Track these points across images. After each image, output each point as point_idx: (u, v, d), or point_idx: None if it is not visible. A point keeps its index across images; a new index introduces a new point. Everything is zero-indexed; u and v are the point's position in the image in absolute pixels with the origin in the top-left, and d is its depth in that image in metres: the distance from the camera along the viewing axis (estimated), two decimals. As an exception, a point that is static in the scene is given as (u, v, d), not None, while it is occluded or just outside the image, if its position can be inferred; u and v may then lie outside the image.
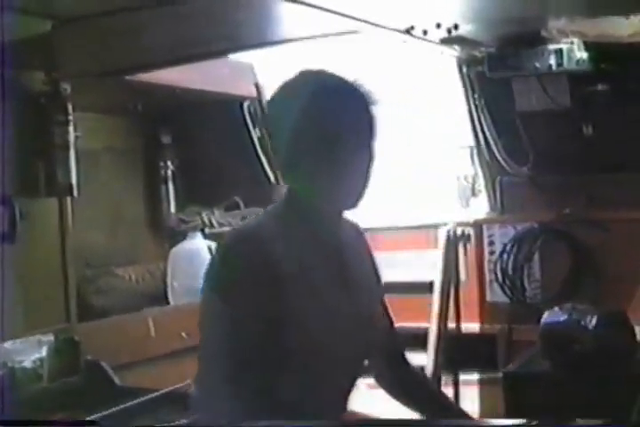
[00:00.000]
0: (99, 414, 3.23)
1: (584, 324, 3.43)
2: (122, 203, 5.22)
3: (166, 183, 5.45)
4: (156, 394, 3.61)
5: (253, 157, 5.11)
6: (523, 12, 3.48)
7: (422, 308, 4.75)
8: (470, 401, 4.63)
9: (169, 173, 5.44)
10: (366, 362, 2.23)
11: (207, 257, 4.68)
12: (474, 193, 5.09)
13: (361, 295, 2.06)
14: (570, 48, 3.99)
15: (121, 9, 3.03)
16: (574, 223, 4.57)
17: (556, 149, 4.57)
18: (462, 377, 4.75)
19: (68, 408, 3.36)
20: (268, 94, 3.49)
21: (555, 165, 4.61)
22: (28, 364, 3.60)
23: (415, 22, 3.56)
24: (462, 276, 4.88)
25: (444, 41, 3.87)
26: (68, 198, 4.01)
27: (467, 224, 4.93)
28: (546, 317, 3.60)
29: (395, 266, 4.99)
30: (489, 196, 4.98)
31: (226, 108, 5.14)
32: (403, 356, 2.30)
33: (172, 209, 5.47)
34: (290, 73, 2.02)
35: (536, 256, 4.70)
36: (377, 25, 3.46)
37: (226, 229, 5.10)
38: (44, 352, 3.67)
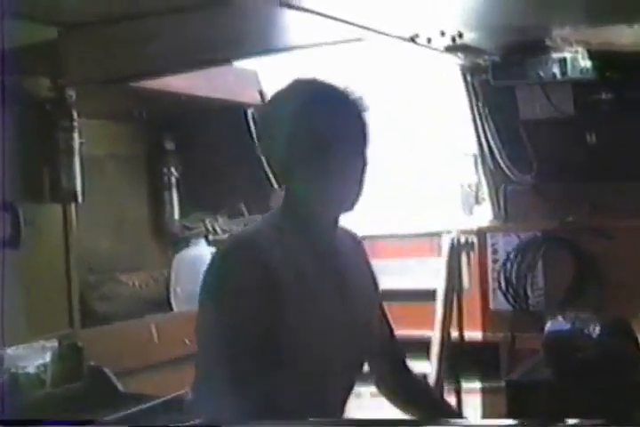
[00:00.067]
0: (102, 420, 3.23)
1: (587, 332, 3.42)
2: (126, 209, 5.22)
3: (170, 190, 5.46)
4: (158, 401, 3.61)
5: (257, 164, 5.10)
6: (527, 21, 3.49)
7: (425, 316, 4.75)
8: (473, 409, 4.62)
9: (173, 179, 5.45)
10: (367, 369, 2.23)
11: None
12: (477, 201, 5.09)
13: (357, 302, 2.06)
14: (574, 57, 4.00)
15: (126, 16, 3.05)
16: (578, 231, 4.57)
17: (560, 157, 4.57)
18: (465, 385, 4.75)
19: (71, 414, 3.37)
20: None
21: (558, 173, 4.62)
22: (31, 369, 3.61)
23: (419, 30, 3.57)
24: (465, 284, 4.88)
25: (448, 49, 3.88)
26: (73, 204, 4.02)
27: (470, 232, 4.93)
28: (549, 325, 3.60)
29: (398, 273, 5.00)
30: (492, 204, 4.98)
31: (230, 115, 5.15)
32: (404, 363, 2.30)
33: (176, 216, 5.48)
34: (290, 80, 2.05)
35: (539, 264, 4.69)
36: (381, 33, 3.46)
37: (229, 235, 5.11)
38: (47, 358, 3.68)
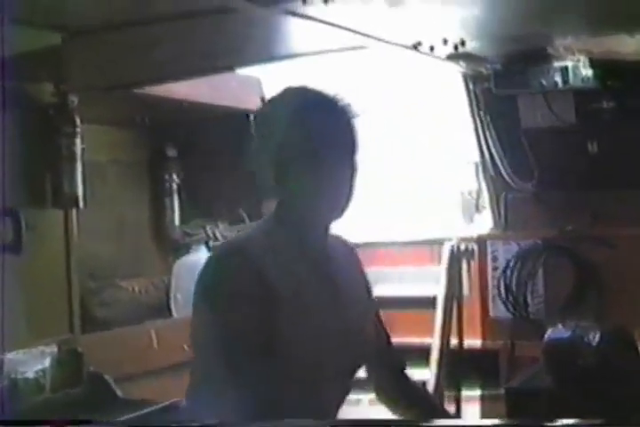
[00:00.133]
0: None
1: (587, 340, 3.42)
2: (127, 215, 5.23)
3: (171, 196, 5.46)
4: (157, 406, 3.61)
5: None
6: (529, 30, 3.50)
7: (425, 323, 4.75)
8: (472, 417, 4.62)
9: (174, 186, 5.45)
10: (365, 376, 2.24)
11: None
12: (478, 209, 5.09)
13: (350, 309, 2.07)
14: (575, 65, 4.01)
15: (129, 23, 3.06)
16: (578, 240, 4.58)
17: (561, 165, 4.58)
18: (464, 393, 4.74)
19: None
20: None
21: (559, 181, 4.62)
22: (30, 374, 3.60)
23: (422, 38, 3.58)
24: (465, 291, 4.88)
25: (450, 57, 3.89)
26: (74, 210, 4.02)
27: (470, 240, 4.94)
28: (549, 333, 3.60)
29: (398, 281, 5.00)
30: (493, 211, 4.98)
31: (232, 122, 5.15)
32: (402, 371, 2.30)
33: (177, 222, 5.48)
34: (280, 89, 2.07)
35: (540, 272, 4.70)
36: (384, 40, 3.47)
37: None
38: (46, 363, 3.67)
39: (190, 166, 5.44)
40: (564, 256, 4.62)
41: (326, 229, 2.08)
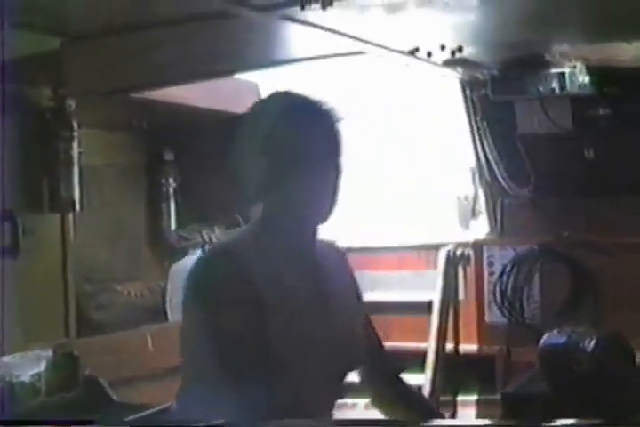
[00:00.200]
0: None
1: (583, 346, 3.43)
2: (123, 219, 5.23)
3: (168, 200, 5.46)
4: (152, 410, 3.61)
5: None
6: (526, 37, 3.51)
7: (421, 328, 4.76)
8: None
9: (171, 190, 5.45)
10: (360, 381, 2.24)
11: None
12: (474, 214, 5.10)
13: (338, 313, 2.08)
14: (572, 72, 4.02)
15: (128, 27, 3.06)
16: (574, 246, 4.58)
17: (557, 171, 4.59)
18: (460, 398, 4.75)
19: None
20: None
21: (556, 187, 4.63)
22: (26, 378, 3.60)
23: (420, 44, 3.59)
24: (461, 296, 4.89)
25: (447, 63, 3.90)
26: (71, 214, 4.02)
27: (467, 245, 4.94)
28: (545, 339, 3.60)
29: (394, 286, 5.01)
30: (489, 217, 4.99)
31: (230, 127, 5.15)
32: (396, 375, 2.30)
33: (173, 226, 5.48)
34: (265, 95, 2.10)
35: (536, 278, 4.70)
36: (382, 46, 3.48)
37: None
38: (42, 367, 3.67)
39: (187, 170, 5.44)
40: (560, 262, 4.63)
41: (314, 232, 2.09)
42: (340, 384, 2.13)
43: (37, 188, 3.91)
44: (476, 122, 4.66)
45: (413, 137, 5.75)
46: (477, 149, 4.75)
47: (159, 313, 5.17)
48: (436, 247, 4.95)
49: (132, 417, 3.36)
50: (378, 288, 4.73)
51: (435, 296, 4.81)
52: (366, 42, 3.37)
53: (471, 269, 4.93)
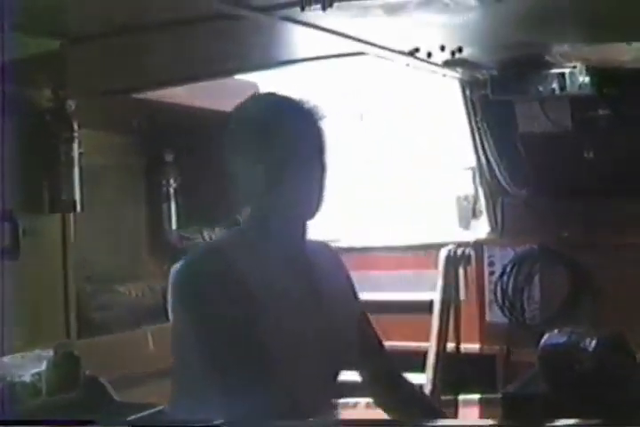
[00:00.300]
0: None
1: (584, 346, 3.43)
2: (124, 219, 5.22)
3: (168, 201, 5.45)
4: (153, 410, 3.61)
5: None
6: (526, 37, 3.51)
7: (422, 328, 4.76)
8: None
9: (171, 190, 5.45)
10: (360, 380, 2.25)
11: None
12: (474, 214, 5.10)
13: (331, 312, 2.07)
14: (572, 72, 4.03)
15: (128, 28, 3.07)
16: (573, 246, 4.59)
17: (557, 172, 4.59)
18: (461, 398, 4.75)
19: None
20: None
21: (555, 187, 4.64)
22: (27, 378, 3.60)
23: (420, 44, 3.60)
24: (462, 296, 4.89)
25: (447, 63, 3.90)
26: (71, 215, 4.03)
27: (467, 245, 4.95)
28: (545, 338, 3.60)
29: (395, 285, 5.01)
30: (489, 217, 4.99)
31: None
32: (397, 374, 2.30)
33: (174, 227, 5.48)
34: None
35: (536, 278, 4.71)
36: (382, 47, 3.49)
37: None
38: (43, 367, 3.68)
39: (188, 171, 5.44)
40: (560, 262, 4.64)
41: (303, 231, 2.09)
42: (334, 383, 2.13)
43: (38, 188, 3.91)
44: (476, 122, 4.67)
45: (413, 137, 5.76)
46: (477, 149, 4.76)
47: (160, 313, 5.16)
48: (437, 247, 4.95)
49: (128, 418, 3.37)
50: (378, 288, 4.74)
51: (435, 296, 4.81)
52: (366, 42, 3.38)
53: (472, 269, 4.93)
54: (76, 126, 3.96)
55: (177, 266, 2.04)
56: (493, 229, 4.99)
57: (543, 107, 4.40)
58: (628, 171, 4.35)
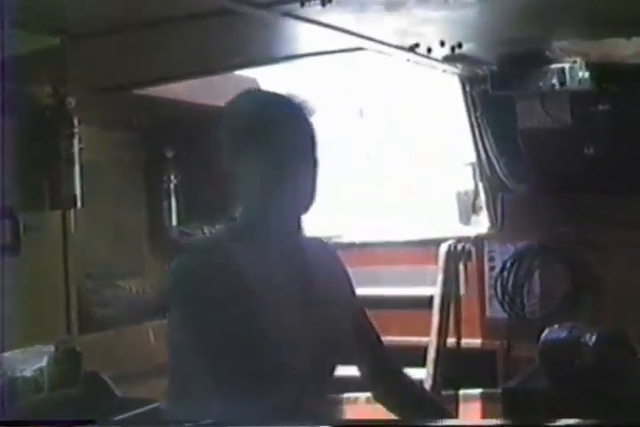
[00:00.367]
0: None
1: (584, 341, 3.44)
2: (125, 215, 5.22)
3: (169, 197, 5.46)
4: (154, 405, 3.62)
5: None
6: (526, 32, 3.51)
7: (422, 323, 4.77)
8: (470, 417, 4.63)
9: (172, 186, 5.45)
10: (361, 375, 2.25)
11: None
12: (475, 209, 5.11)
13: (326, 308, 2.07)
14: (572, 67, 4.03)
15: (128, 25, 3.07)
16: (573, 242, 4.59)
17: (557, 167, 4.59)
18: (461, 393, 4.76)
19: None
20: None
21: (555, 183, 4.64)
22: (28, 373, 3.61)
23: (419, 40, 3.60)
24: (462, 291, 4.90)
25: (447, 59, 3.91)
26: (72, 211, 4.03)
27: (467, 240, 4.95)
28: (546, 333, 3.61)
29: (395, 281, 5.02)
30: (489, 212, 5.00)
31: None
32: (397, 369, 2.31)
33: (175, 223, 5.48)
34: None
35: (536, 273, 4.71)
36: (381, 42, 3.49)
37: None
38: (44, 362, 3.68)
39: (188, 167, 5.44)
40: (560, 257, 4.64)
41: (298, 226, 2.09)
42: (330, 378, 2.14)
43: (38, 185, 3.91)
44: (476, 117, 4.67)
45: (413, 133, 5.77)
46: (477, 144, 4.76)
47: (161, 309, 5.16)
48: (437, 242, 4.95)
49: (122, 416, 3.37)
50: (379, 283, 4.75)
51: (436, 291, 4.82)
52: (366, 38, 3.38)
53: (472, 265, 4.94)
54: (76, 123, 3.96)
55: (175, 260, 2.04)
56: (493, 224, 5.00)
57: (543, 102, 4.40)
58: (628, 166, 4.35)
